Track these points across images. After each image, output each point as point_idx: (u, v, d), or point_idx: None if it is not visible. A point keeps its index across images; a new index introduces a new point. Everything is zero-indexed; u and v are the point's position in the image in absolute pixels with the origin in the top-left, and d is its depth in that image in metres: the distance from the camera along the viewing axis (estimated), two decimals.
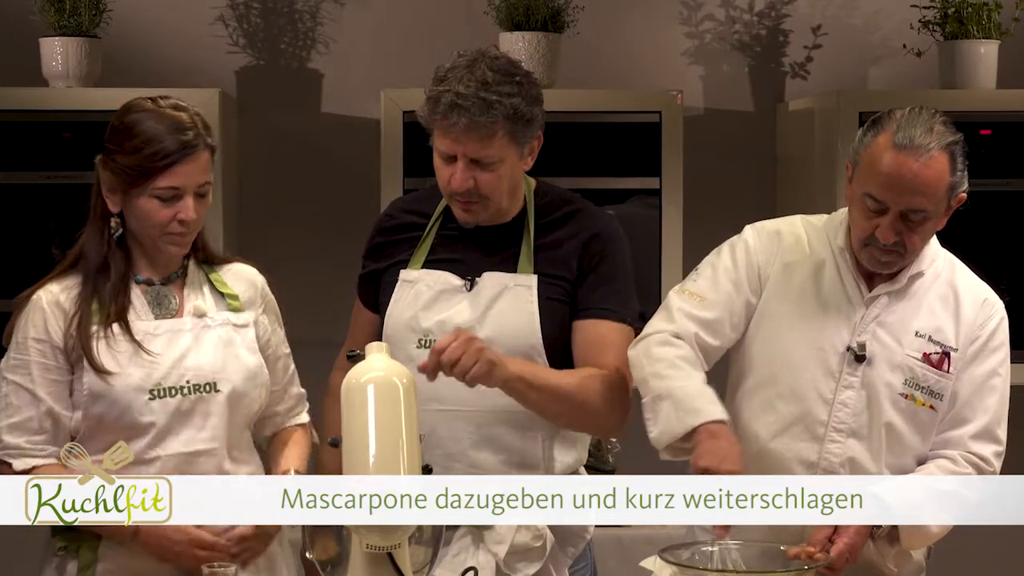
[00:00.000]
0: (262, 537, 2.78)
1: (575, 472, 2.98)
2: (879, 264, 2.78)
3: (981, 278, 2.90)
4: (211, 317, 2.79)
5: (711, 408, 2.71)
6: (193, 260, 2.83)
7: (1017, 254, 4.32)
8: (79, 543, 2.72)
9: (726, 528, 2.61)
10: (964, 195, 2.75)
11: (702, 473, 2.59)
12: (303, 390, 3.01)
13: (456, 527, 2.85)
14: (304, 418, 2.99)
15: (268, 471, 2.88)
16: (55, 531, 2.74)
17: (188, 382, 2.73)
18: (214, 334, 2.78)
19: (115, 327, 2.71)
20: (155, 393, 2.70)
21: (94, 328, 2.70)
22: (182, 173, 2.68)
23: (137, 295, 2.75)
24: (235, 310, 2.83)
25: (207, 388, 2.74)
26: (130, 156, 2.68)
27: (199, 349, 2.76)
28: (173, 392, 2.72)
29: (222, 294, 2.84)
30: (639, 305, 2.99)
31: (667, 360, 2.78)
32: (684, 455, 2.73)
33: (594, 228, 2.95)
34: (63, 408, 2.71)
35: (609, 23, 4.63)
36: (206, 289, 2.83)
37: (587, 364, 2.89)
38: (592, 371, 2.86)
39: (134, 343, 2.71)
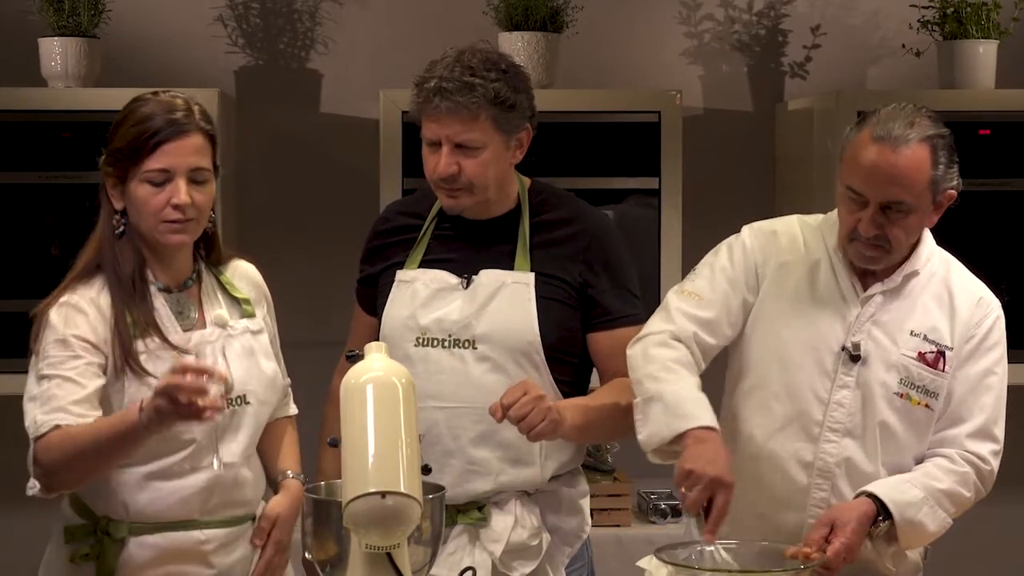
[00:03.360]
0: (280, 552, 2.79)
1: (572, 469, 2.98)
2: (864, 259, 2.77)
3: (981, 278, 2.89)
4: (232, 326, 2.76)
5: (701, 414, 2.70)
6: (204, 264, 2.80)
7: (1017, 254, 4.31)
8: (99, 548, 2.67)
9: (713, 532, 2.60)
10: (954, 192, 2.75)
11: (686, 476, 2.60)
12: (289, 379, 2.95)
13: (453, 525, 2.85)
14: (293, 409, 2.94)
15: (264, 466, 2.85)
16: (69, 535, 2.71)
17: (223, 398, 2.67)
18: (237, 344, 2.75)
19: (153, 340, 2.65)
20: None
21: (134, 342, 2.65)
22: (170, 152, 2.64)
23: (161, 303, 2.70)
24: (249, 315, 2.80)
25: (238, 402, 2.72)
26: (122, 139, 2.67)
27: (227, 362, 2.72)
28: None
29: (235, 299, 2.80)
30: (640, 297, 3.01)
31: (661, 362, 2.77)
32: (671, 459, 2.72)
33: (592, 229, 2.96)
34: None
35: (608, 23, 4.63)
36: (220, 295, 2.79)
37: (617, 373, 2.90)
38: (627, 382, 2.85)
39: (175, 349, 2.65)
